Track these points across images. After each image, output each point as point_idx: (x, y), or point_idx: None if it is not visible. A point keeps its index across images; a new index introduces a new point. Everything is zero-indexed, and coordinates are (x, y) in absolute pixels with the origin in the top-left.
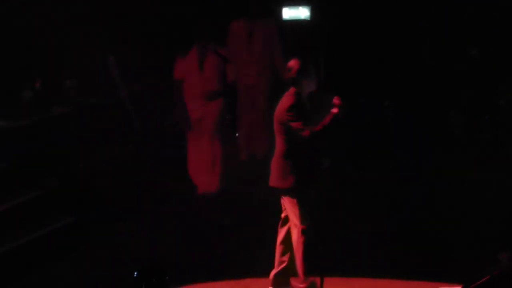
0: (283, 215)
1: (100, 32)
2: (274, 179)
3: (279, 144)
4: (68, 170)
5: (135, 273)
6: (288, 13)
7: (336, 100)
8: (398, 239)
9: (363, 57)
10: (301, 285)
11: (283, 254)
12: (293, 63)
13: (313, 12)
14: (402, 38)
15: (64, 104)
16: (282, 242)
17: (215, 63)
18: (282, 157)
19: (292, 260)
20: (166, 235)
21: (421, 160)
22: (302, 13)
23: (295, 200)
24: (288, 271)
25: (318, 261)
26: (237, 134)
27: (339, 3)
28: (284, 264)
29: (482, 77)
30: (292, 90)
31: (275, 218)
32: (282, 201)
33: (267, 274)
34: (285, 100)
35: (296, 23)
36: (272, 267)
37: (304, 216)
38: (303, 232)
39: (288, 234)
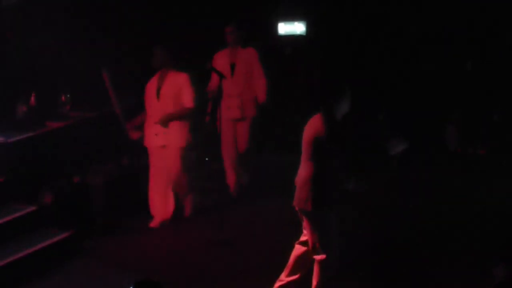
0: (303, 238)
1: (94, 47)
2: (299, 200)
3: (307, 165)
4: (63, 185)
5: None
6: (284, 28)
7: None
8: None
9: (358, 71)
10: None
11: (291, 273)
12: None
13: (308, 28)
14: (398, 52)
15: (58, 119)
16: (297, 261)
17: (174, 87)
18: (310, 179)
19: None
20: (161, 249)
21: (416, 174)
22: (297, 28)
23: (318, 224)
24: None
25: None
26: (206, 159)
27: (334, 18)
28: (289, 281)
29: (476, 91)
30: (324, 112)
31: (277, 233)
32: (304, 223)
33: None
34: (318, 123)
35: (291, 38)
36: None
37: (325, 242)
38: (323, 263)
39: (304, 254)
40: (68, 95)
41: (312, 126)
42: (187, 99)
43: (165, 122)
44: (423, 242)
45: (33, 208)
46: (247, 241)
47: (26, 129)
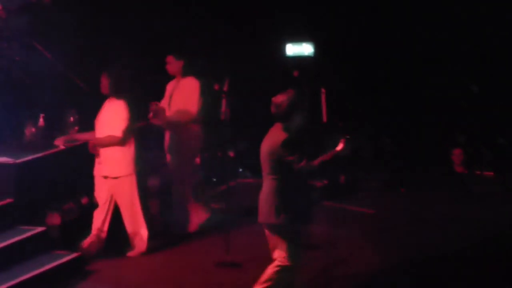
0: (274, 255)
1: (100, 66)
2: (264, 215)
3: (269, 180)
4: (71, 206)
5: None
6: (292, 49)
7: (344, 138)
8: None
9: (365, 92)
10: None
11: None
12: (282, 98)
13: (316, 49)
14: (404, 74)
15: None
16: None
17: (111, 114)
18: (273, 193)
19: None
20: (169, 270)
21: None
22: (305, 49)
23: (285, 238)
24: None
25: None
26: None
27: (343, 39)
28: None
29: (482, 113)
30: (279, 125)
31: None
32: (269, 239)
33: None
34: (276, 136)
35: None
36: None
37: (293, 254)
38: (284, 268)
39: None
40: (76, 116)
41: (270, 140)
42: (118, 128)
43: (92, 148)
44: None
45: (41, 229)
46: (255, 263)
47: (34, 150)
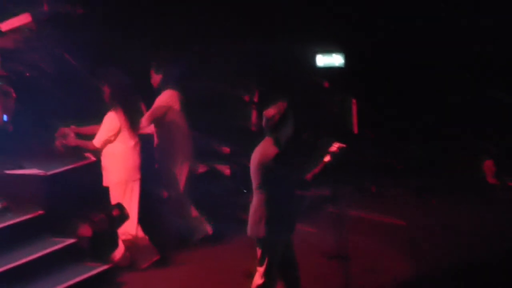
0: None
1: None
2: (249, 228)
3: (257, 193)
4: (102, 218)
5: None
6: (322, 60)
7: (333, 148)
8: None
9: (395, 102)
10: None
11: None
12: (273, 112)
13: (347, 59)
14: (435, 83)
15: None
16: None
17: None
18: (261, 206)
19: None
20: (201, 280)
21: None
22: (336, 60)
23: (266, 250)
24: None
25: None
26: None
27: (373, 50)
28: None
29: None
30: (269, 139)
31: None
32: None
33: None
34: (266, 149)
35: (330, 70)
36: None
37: (269, 271)
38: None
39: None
40: None
41: (260, 154)
42: (95, 137)
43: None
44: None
45: (71, 241)
46: None
47: (65, 162)
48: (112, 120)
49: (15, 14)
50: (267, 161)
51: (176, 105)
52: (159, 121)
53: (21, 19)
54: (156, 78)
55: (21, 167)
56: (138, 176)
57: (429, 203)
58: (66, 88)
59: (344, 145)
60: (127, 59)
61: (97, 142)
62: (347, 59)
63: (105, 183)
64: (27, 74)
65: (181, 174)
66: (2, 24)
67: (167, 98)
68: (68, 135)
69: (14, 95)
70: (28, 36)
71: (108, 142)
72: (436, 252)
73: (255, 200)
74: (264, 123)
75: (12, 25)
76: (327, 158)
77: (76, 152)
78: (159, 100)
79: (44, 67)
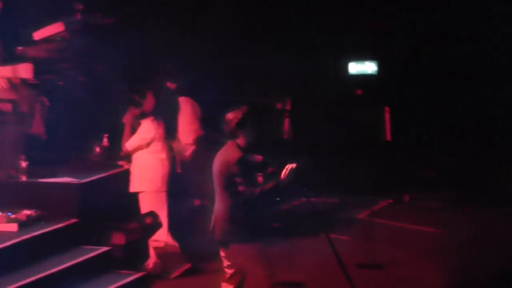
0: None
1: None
2: (217, 232)
3: (220, 196)
4: (135, 226)
5: None
6: (355, 68)
7: (285, 171)
8: None
9: (428, 110)
10: None
11: None
12: (231, 116)
13: (380, 67)
14: (468, 90)
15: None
16: None
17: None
18: (223, 210)
19: None
20: None
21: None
22: (368, 67)
23: (235, 255)
24: None
25: None
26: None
27: (406, 57)
28: None
29: None
30: (231, 143)
31: None
32: (223, 255)
33: None
34: (229, 153)
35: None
36: None
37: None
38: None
39: None
40: None
41: (222, 157)
42: (129, 141)
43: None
44: None
45: (105, 249)
46: (314, 283)
47: (99, 170)
48: (148, 128)
49: (48, 24)
50: (227, 166)
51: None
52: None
53: (54, 28)
54: (172, 87)
55: (54, 176)
56: (165, 188)
57: (465, 214)
58: (98, 97)
59: (294, 165)
60: (159, 68)
61: (129, 145)
62: (380, 66)
63: (132, 189)
64: (60, 83)
65: (205, 181)
66: (35, 33)
67: (185, 106)
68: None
69: (47, 104)
70: (60, 46)
71: (139, 148)
72: (471, 263)
73: (220, 205)
74: (224, 126)
75: (45, 34)
76: (283, 175)
77: (110, 160)
78: (182, 107)
79: (77, 76)
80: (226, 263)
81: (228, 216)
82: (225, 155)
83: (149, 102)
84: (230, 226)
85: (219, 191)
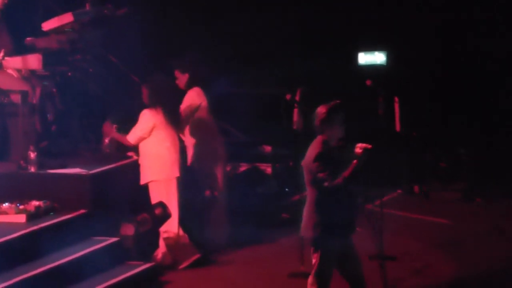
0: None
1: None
2: (303, 228)
3: (308, 192)
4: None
5: None
6: (364, 58)
7: (357, 149)
8: None
9: (439, 101)
10: None
11: None
12: (318, 110)
13: (389, 58)
14: (480, 81)
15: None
16: None
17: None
18: (311, 206)
19: None
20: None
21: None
22: (378, 58)
23: (317, 253)
24: None
25: None
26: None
27: (415, 47)
28: None
29: None
30: (319, 138)
31: None
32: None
33: None
34: (312, 149)
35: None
36: None
37: (320, 274)
38: None
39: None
40: None
41: (308, 152)
42: (130, 134)
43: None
44: None
45: (114, 239)
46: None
47: (108, 161)
48: (147, 118)
49: (58, 15)
50: (309, 161)
51: (204, 103)
52: (188, 119)
53: (63, 19)
54: (182, 78)
55: (64, 167)
56: (174, 175)
57: (478, 206)
58: (109, 88)
59: (368, 146)
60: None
61: (131, 138)
62: (389, 57)
63: (142, 181)
64: (69, 74)
65: (216, 172)
66: (44, 23)
67: (195, 96)
68: (111, 129)
69: (57, 95)
70: (71, 37)
71: (142, 139)
72: (484, 255)
73: (308, 199)
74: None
75: (54, 25)
76: (355, 161)
77: (119, 151)
78: (187, 99)
79: (87, 67)
80: (313, 260)
81: (311, 212)
82: (309, 150)
83: (144, 93)
84: (311, 222)
85: (306, 185)
